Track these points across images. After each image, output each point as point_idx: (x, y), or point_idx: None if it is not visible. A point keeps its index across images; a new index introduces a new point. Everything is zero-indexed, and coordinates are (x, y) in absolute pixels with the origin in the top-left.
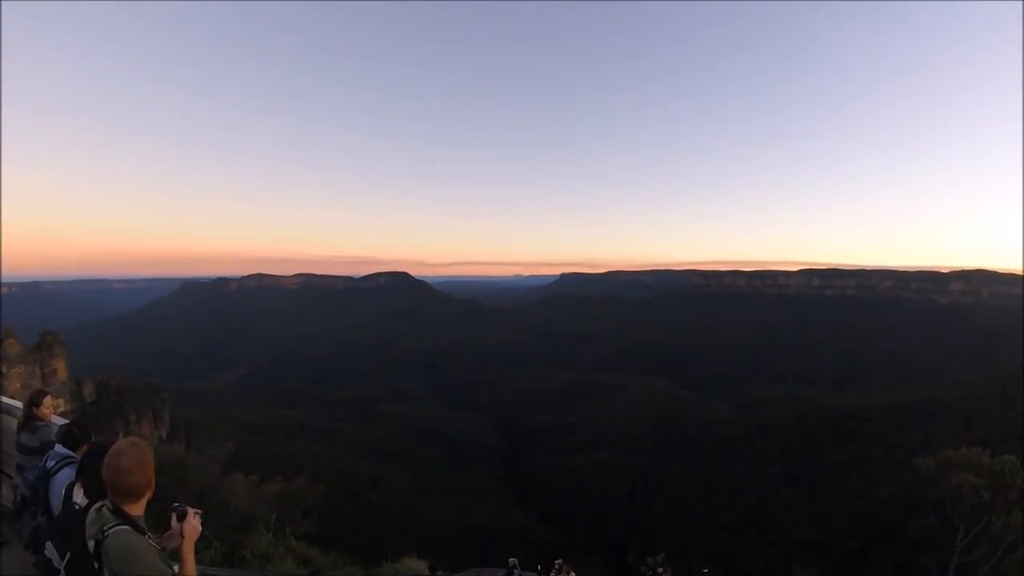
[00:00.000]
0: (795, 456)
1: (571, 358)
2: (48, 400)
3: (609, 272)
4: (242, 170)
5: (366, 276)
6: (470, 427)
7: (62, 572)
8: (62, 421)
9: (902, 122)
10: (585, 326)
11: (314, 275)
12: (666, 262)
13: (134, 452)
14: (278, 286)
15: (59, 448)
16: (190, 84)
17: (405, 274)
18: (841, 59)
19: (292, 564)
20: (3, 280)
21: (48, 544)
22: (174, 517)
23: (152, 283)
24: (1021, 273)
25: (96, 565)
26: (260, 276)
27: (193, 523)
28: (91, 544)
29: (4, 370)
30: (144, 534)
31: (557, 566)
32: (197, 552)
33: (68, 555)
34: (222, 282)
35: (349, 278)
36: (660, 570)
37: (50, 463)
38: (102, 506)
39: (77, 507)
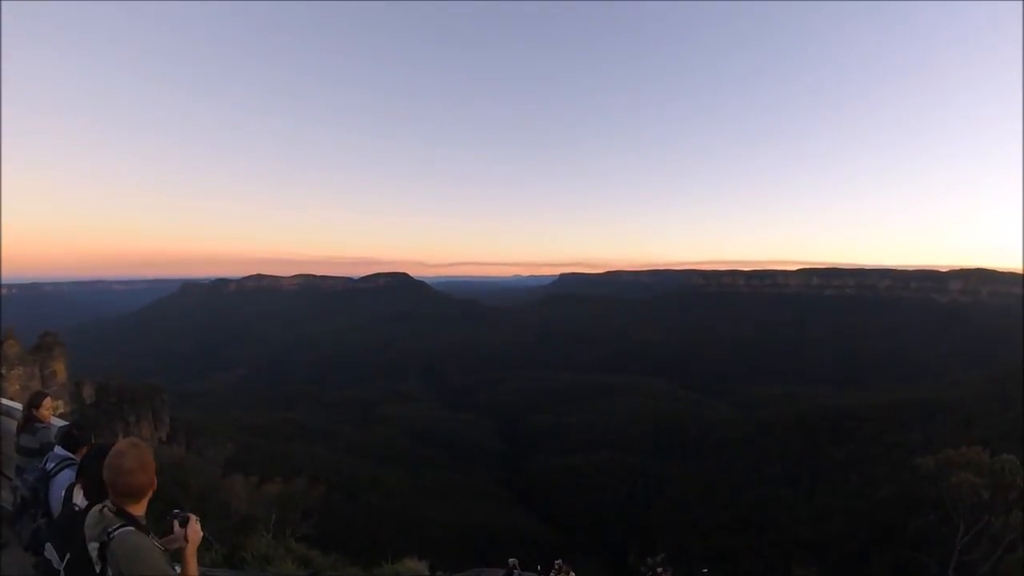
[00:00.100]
0: (795, 456)
1: (571, 358)
2: (48, 402)
3: (608, 272)
4: (241, 171)
5: (366, 277)
6: (470, 428)
7: (62, 573)
8: (62, 423)
9: (902, 122)
10: (585, 326)
11: (313, 276)
12: (665, 262)
13: (135, 452)
14: (278, 287)
15: (59, 450)
16: (189, 84)
17: (405, 275)
18: (841, 59)
19: (292, 565)
20: (3, 282)
21: (48, 545)
22: (176, 523)
23: (151, 284)
24: (1021, 272)
25: (98, 568)
26: (259, 277)
27: (196, 528)
28: (95, 546)
29: (4, 371)
30: (148, 534)
31: (557, 566)
32: (197, 554)
33: (68, 556)
34: (221, 283)
35: (349, 279)
36: (660, 570)
37: (50, 465)
38: (104, 507)
39: (77, 508)
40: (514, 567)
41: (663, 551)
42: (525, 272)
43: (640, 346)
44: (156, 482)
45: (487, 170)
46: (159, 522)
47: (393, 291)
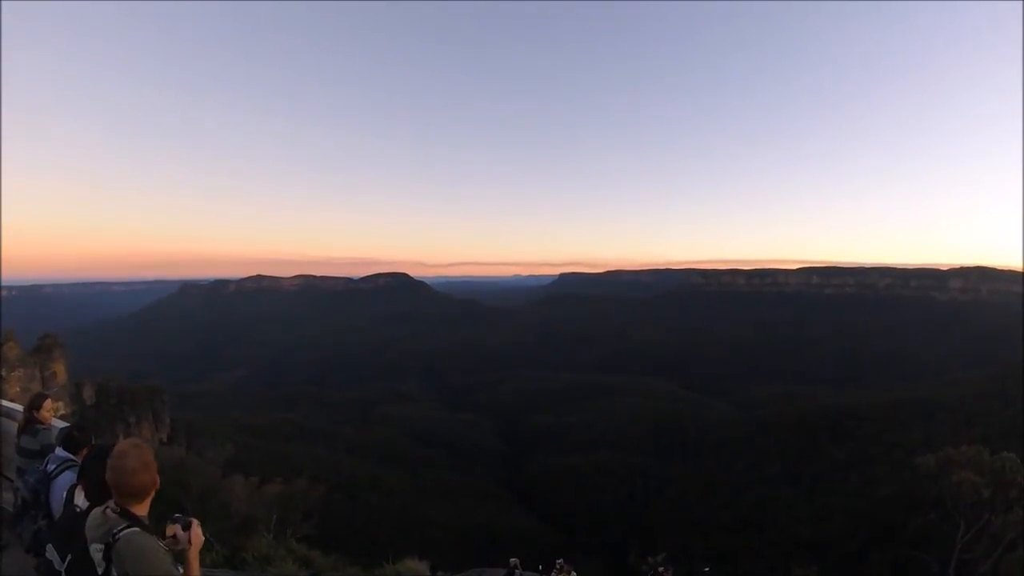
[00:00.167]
0: (795, 455)
1: (571, 358)
2: (48, 403)
3: (608, 272)
4: (241, 171)
5: (365, 277)
6: (470, 428)
7: (63, 575)
8: (62, 424)
9: (901, 121)
10: (584, 326)
11: (313, 276)
12: (665, 261)
13: (138, 453)
14: (277, 287)
15: (60, 451)
16: (189, 84)
17: (404, 275)
18: (841, 59)
19: (293, 566)
20: (3, 283)
21: (49, 547)
22: (179, 527)
23: (151, 285)
24: (1021, 270)
25: (100, 569)
26: (259, 278)
27: (198, 532)
28: (99, 547)
29: (4, 373)
30: (153, 535)
31: (558, 566)
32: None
33: (69, 558)
34: (221, 284)
35: (348, 279)
36: (661, 569)
37: (51, 466)
38: (106, 508)
39: (78, 510)
40: (515, 567)
41: (664, 551)
42: (525, 272)
43: (640, 346)
44: (159, 481)
45: (487, 170)
46: (159, 524)
47: (393, 291)
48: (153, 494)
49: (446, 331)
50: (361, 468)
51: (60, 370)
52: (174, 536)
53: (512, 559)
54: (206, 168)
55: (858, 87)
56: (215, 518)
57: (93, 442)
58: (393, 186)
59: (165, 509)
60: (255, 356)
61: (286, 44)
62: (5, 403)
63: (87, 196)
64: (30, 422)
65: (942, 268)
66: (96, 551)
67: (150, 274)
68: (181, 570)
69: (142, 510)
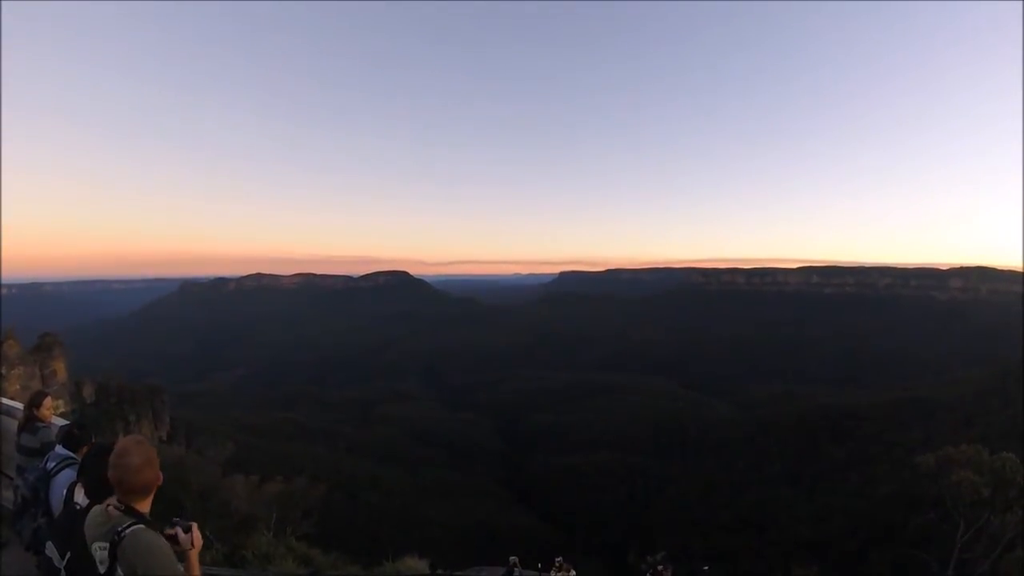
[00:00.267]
0: (795, 455)
1: (570, 357)
2: (48, 401)
3: (608, 270)
4: (241, 170)
5: (365, 275)
6: (470, 427)
7: (62, 572)
8: (62, 422)
9: (901, 121)
10: (584, 325)
11: (313, 275)
12: (665, 260)
13: (141, 449)
14: (277, 286)
15: (59, 449)
16: (189, 85)
17: (404, 273)
18: (841, 59)
19: (293, 564)
20: (3, 281)
21: (49, 544)
22: (180, 530)
23: (151, 284)
24: (1020, 270)
25: (104, 567)
26: (259, 276)
27: (199, 534)
28: (104, 545)
29: (4, 371)
30: (158, 531)
31: (558, 564)
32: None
33: (68, 555)
34: (221, 282)
35: (348, 277)
36: (660, 568)
37: (51, 464)
38: (108, 506)
39: (78, 507)
40: (515, 565)
41: (663, 550)
42: (525, 270)
43: (640, 345)
44: (162, 477)
45: (487, 169)
46: (158, 523)
47: (393, 290)
48: (155, 491)
49: (446, 330)
50: (361, 467)
51: (60, 368)
52: (175, 537)
53: (512, 557)
54: (206, 167)
55: (858, 87)
56: (215, 516)
57: (93, 440)
58: (393, 185)
59: (165, 508)
60: (255, 355)
61: (286, 44)
62: (5, 401)
63: (87, 195)
64: (30, 420)
65: (942, 268)
66: (99, 549)
67: (150, 272)
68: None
69: (145, 507)
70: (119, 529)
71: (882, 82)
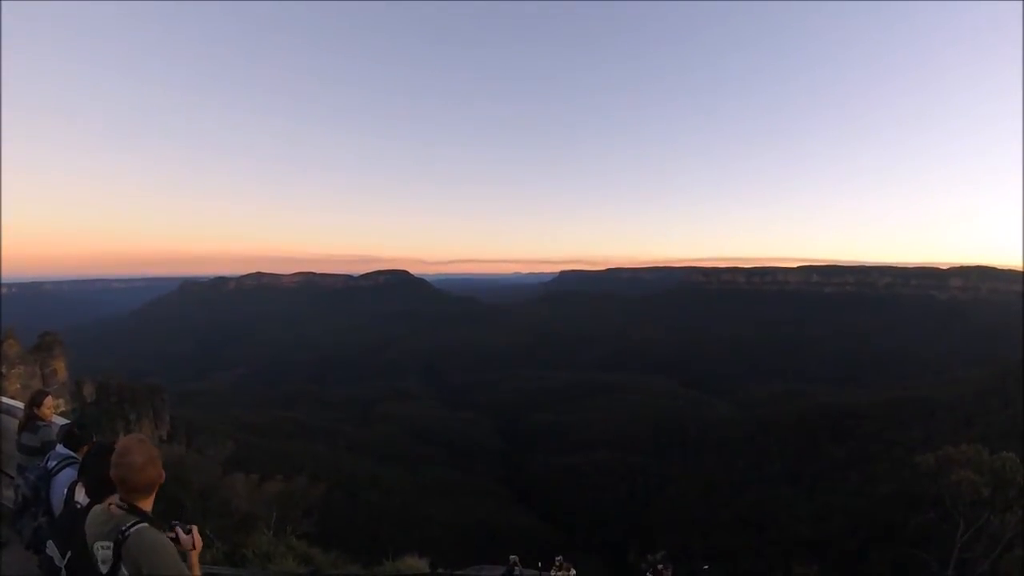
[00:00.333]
0: (795, 454)
1: (570, 357)
2: (49, 400)
3: (608, 269)
4: (241, 169)
5: (365, 275)
6: (470, 426)
7: (63, 571)
8: (63, 421)
9: (902, 120)
10: (584, 324)
11: (313, 274)
12: (665, 259)
13: (143, 448)
14: (277, 285)
15: (60, 448)
16: (189, 84)
17: (404, 272)
18: (841, 58)
19: (293, 563)
20: (3, 281)
21: (49, 543)
22: (180, 531)
23: (151, 283)
24: (1021, 270)
25: (107, 567)
26: (259, 275)
27: (198, 536)
28: (105, 544)
29: (4, 370)
30: (162, 529)
31: (558, 563)
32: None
33: (69, 554)
34: (221, 281)
35: (348, 276)
36: (660, 567)
37: (51, 463)
38: (111, 505)
39: (79, 506)
40: (515, 564)
41: (663, 549)
42: (524, 269)
43: (640, 344)
44: (164, 475)
45: (487, 168)
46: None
47: (393, 289)
48: (157, 489)
49: (446, 329)
50: (361, 466)
51: (60, 367)
52: (176, 539)
53: (512, 556)
54: (206, 166)
55: (858, 87)
56: (215, 515)
57: (94, 439)
58: (393, 184)
59: (165, 507)
60: (255, 354)
61: (286, 43)
62: (5, 400)
63: (87, 194)
64: (31, 419)
65: (942, 267)
66: (103, 548)
67: (150, 271)
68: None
69: (148, 505)
70: (123, 528)
71: (882, 82)
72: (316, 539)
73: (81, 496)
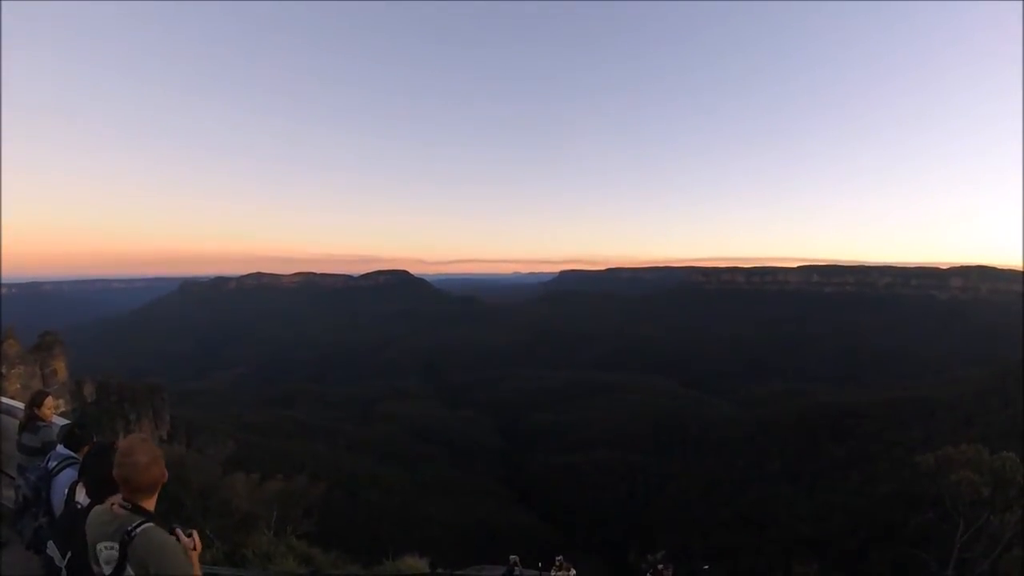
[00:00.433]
0: (795, 453)
1: (570, 356)
2: (49, 400)
3: (608, 269)
4: (241, 170)
5: (366, 274)
6: (470, 426)
7: (63, 571)
8: (63, 421)
9: (902, 120)
10: (584, 324)
11: (313, 274)
12: (666, 259)
13: (146, 447)
14: (277, 285)
15: (61, 448)
16: (189, 84)
17: (404, 272)
18: (841, 58)
19: (293, 563)
20: (3, 281)
21: (50, 543)
22: (181, 534)
23: (151, 283)
24: (1021, 269)
25: (110, 568)
26: (259, 275)
27: (198, 538)
28: (109, 545)
29: (4, 370)
30: (166, 529)
31: (558, 563)
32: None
33: (69, 554)
34: (221, 281)
35: (348, 276)
36: (661, 567)
37: (52, 463)
38: (113, 505)
39: (79, 507)
40: (515, 564)
41: (663, 548)
42: (525, 269)
43: (640, 343)
44: (167, 474)
45: (487, 168)
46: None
47: (393, 289)
48: (160, 488)
49: (446, 328)
50: (361, 465)
51: (60, 367)
52: (177, 539)
53: (512, 556)
54: (206, 166)
55: (858, 86)
56: (216, 515)
57: (94, 439)
58: (393, 184)
59: (166, 507)
60: (255, 353)
61: (286, 44)
62: (6, 400)
63: (87, 194)
64: (31, 419)
65: (942, 267)
66: (107, 549)
67: (150, 271)
68: None
69: (151, 505)
70: (129, 528)
71: (882, 82)
72: (316, 539)
73: (82, 496)
